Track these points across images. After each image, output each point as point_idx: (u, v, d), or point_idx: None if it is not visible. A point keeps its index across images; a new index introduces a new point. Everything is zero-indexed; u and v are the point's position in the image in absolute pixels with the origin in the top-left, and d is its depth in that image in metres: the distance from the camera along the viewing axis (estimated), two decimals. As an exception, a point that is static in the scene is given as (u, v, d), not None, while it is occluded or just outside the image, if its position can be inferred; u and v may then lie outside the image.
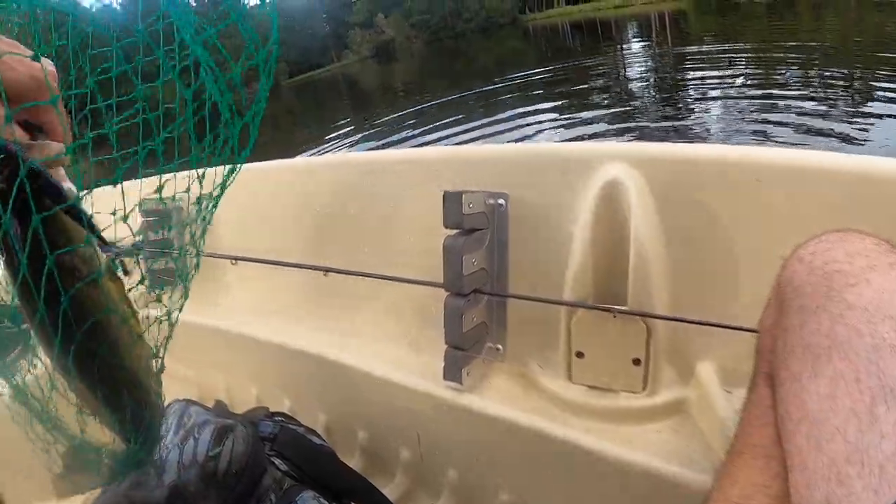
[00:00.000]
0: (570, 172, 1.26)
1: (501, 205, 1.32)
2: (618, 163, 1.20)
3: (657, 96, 11.97)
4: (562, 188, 1.28)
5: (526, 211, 1.32)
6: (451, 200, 1.23)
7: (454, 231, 1.26)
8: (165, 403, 0.86)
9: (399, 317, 1.62)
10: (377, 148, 11.69)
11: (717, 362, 1.16)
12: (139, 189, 0.78)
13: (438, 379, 1.34)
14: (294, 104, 40.62)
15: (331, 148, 13.09)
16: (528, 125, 10.81)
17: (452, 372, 1.32)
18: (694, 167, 1.15)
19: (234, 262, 1.87)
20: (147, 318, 0.79)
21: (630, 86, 13.97)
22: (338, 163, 1.86)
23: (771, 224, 1.09)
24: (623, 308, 1.15)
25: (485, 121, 11.90)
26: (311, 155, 10.66)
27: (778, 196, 1.08)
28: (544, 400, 1.29)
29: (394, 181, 1.61)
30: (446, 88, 20.13)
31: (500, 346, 1.40)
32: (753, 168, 1.10)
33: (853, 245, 0.64)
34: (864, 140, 6.35)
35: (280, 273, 1.79)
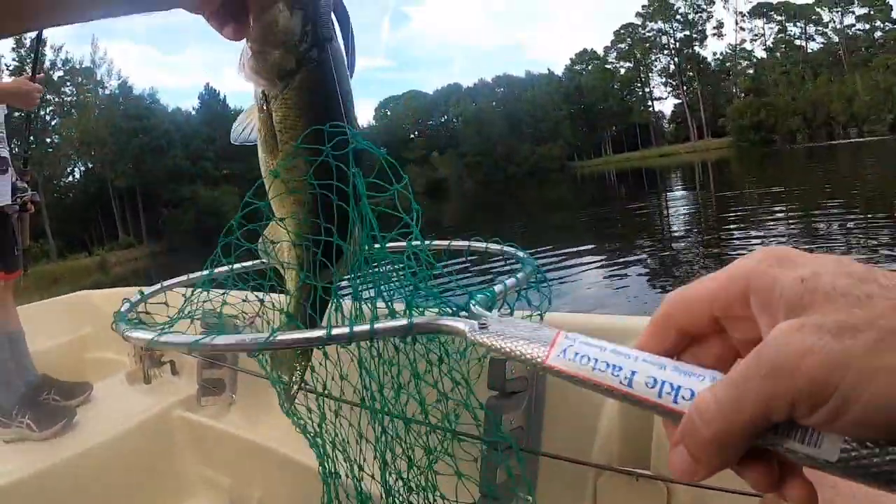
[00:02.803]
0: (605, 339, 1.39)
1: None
2: None
3: (700, 239, 12.22)
4: None
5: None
6: (496, 367, 1.33)
7: (495, 392, 1.36)
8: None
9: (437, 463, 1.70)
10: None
11: None
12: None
13: None
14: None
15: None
16: (572, 266, 11.06)
17: None
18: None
19: None
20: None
21: (672, 228, 14.22)
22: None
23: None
24: (645, 472, 1.23)
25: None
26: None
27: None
28: None
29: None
30: (498, 233, 20.68)
31: (529, 497, 1.46)
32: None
33: None
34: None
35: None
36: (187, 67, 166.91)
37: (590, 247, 12.96)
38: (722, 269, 0.40)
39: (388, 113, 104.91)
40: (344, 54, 0.86)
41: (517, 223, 23.55)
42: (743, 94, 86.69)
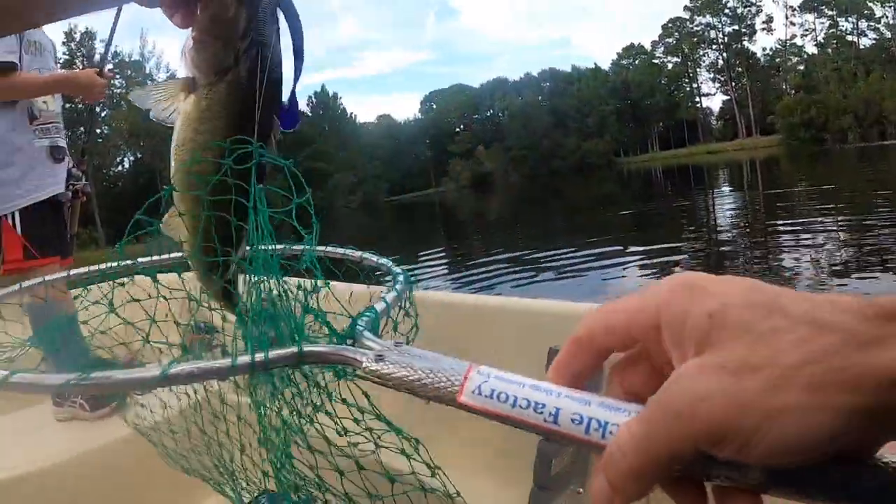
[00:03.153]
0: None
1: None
2: None
3: (746, 238, 12.19)
4: None
5: None
6: (552, 357, 1.54)
7: None
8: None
9: (489, 448, 1.70)
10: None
11: None
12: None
13: None
14: (390, 223, 42.27)
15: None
16: (615, 261, 11.18)
17: None
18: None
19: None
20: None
21: (718, 227, 14.27)
22: (442, 300, 1.97)
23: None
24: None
25: (575, 257, 12.28)
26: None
27: None
28: None
29: (500, 325, 1.73)
30: (542, 226, 20.47)
31: (580, 490, 1.47)
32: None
33: None
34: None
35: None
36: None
37: (634, 243, 12.99)
38: (638, 295, 0.41)
39: (434, 106, 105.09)
40: (282, 58, 0.84)
41: (562, 218, 23.84)
42: (793, 91, 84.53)
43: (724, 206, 19.49)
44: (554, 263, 12.24)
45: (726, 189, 26.07)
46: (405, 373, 0.50)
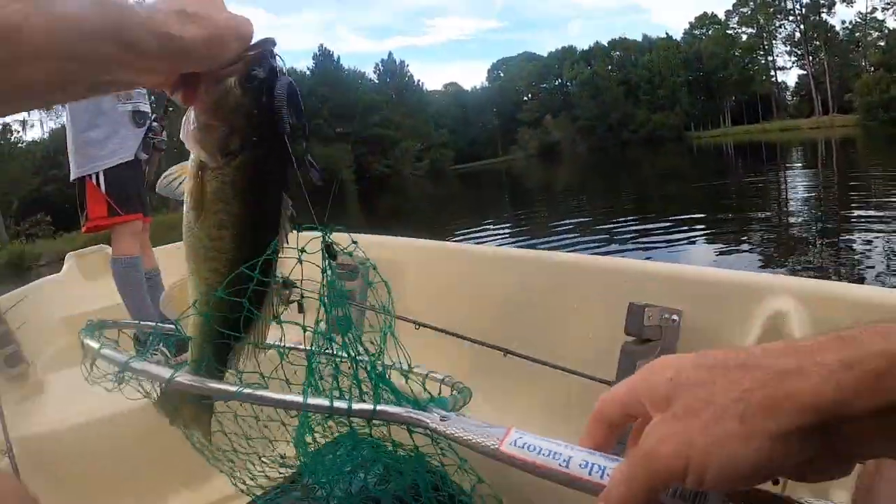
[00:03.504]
0: (740, 299, 1.38)
1: (675, 320, 1.44)
2: (786, 296, 1.29)
3: (818, 219, 11.97)
4: (730, 312, 1.38)
5: (694, 328, 1.43)
6: (635, 312, 1.39)
7: (632, 338, 1.41)
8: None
9: (559, 405, 1.72)
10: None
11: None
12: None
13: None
14: (456, 191, 42.17)
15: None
16: (685, 238, 11.02)
17: None
18: (866, 312, 1.20)
19: (417, 326, 1.97)
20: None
21: (790, 206, 14.03)
22: (527, 257, 2.04)
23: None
24: None
25: (642, 227, 12.24)
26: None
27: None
28: None
29: (578, 283, 1.76)
30: (610, 197, 20.23)
31: None
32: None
33: None
34: None
35: (455, 345, 1.92)
36: (300, 28, 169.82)
37: (702, 219, 12.82)
38: (628, 380, 0.50)
39: (502, 74, 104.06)
40: (288, 134, 0.82)
41: (631, 189, 23.33)
42: (872, 69, 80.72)
43: (797, 185, 19.00)
44: (621, 233, 12.26)
45: (799, 168, 25.16)
46: (463, 431, 0.70)
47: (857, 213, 11.99)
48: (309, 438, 1.17)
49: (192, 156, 0.83)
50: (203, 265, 0.88)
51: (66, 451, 1.98)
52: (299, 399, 0.88)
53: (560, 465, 0.54)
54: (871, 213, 11.55)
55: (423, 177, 75.17)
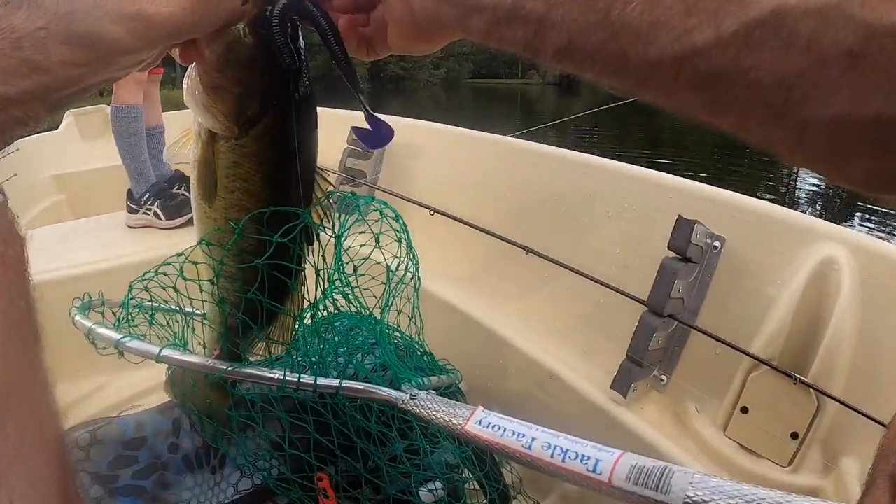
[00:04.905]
0: (790, 238, 1.29)
1: (717, 247, 1.35)
2: (838, 245, 1.23)
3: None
4: (777, 250, 1.30)
5: (736, 259, 1.35)
6: (683, 227, 1.28)
7: (673, 255, 1.31)
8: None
9: (580, 314, 1.64)
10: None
11: (864, 462, 1.12)
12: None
13: (602, 386, 1.38)
14: (468, 101, 41.86)
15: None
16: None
17: (622, 384, 1.34)
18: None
19: (432, 212, 1.91)
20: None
21: None
22: (559, 155, 1.85)
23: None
24: (806, 380, 1.16)
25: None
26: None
27: None
28: (696, 443, 1.30)
29: (613, 190, 1.64)
30: (619, 132, 19.87)
31: (664, 378, 1.41)
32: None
33: None
34: None
35: (471, 237, 1.83)
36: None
37: (737, 171, 12.16)
38: None
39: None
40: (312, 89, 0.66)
41: (645, 135, 23.15)
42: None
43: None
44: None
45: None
46: (427, 411, 0.71)
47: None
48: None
49: (194, 121, 0.69)
50: (219, 251, 0.76)
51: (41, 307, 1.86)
52: (272, 374, 0.85)
53: (523, 446, 0.56)
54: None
55: (437, 85, 74.65)
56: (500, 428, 0.60)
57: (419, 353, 1.21)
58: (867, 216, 8.68)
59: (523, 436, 0.57)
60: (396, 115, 2.39)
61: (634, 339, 1.32)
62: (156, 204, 2.47)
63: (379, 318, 1.05)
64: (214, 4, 0.55)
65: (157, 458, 1.03)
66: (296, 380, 0.83)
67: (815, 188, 10.54)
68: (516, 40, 0.45)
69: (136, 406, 1.61)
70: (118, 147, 2.59)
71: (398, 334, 1.19)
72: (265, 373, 0.85)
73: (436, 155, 2.26)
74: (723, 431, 1.27)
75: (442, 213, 1.87)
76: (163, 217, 2.45)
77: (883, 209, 8.42)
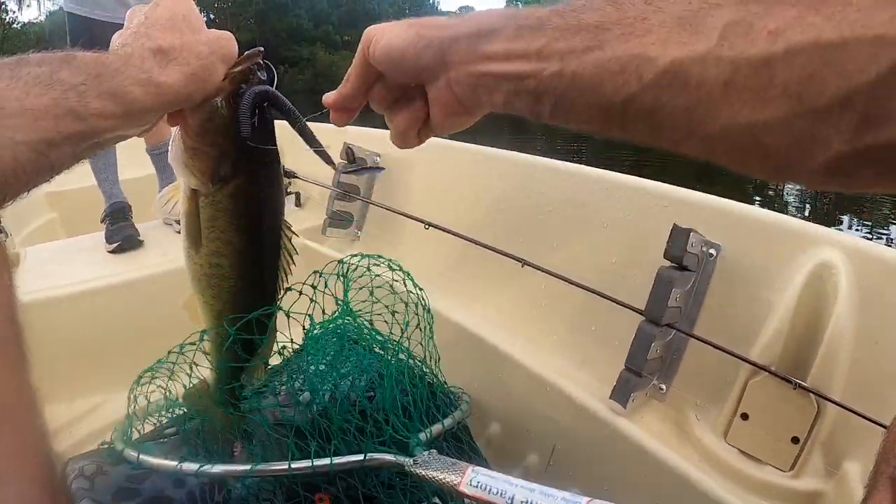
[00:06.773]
0: (786, 243, 1.31)
1: (713, 254, 1.36)
2: (833, 249, 1.24)
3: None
4: (773, 255, 1.31)
5: (732, 266, 1.35)
6: (679, 236, 1.28)
7: (669, 263, 1.31)
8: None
9: (578, 326, 1.64)
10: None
11: (866, 465, 1.12)
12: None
13: (601, 396, 1.38)
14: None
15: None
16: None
17: (621, 393, 1.34)
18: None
19: (426, 226, 1.90)
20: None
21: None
22: (553, 167, 1.87)
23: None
24: (806, 384, 1.17)
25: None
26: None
27: None
28: (697, 451, 1.31)
29: (608, 201, 1.65)
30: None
31: (663, 386, 1.42)
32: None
33: None
34: None
35: (467, 250, 1.84)
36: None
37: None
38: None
39: (520, 5, 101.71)
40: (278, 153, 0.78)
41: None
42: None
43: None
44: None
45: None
46: (430, 473, 0.81)
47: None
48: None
49: (181, 181, 0.79)
50: (206, 292, 0.86)
51: (36, 325, 1.80)
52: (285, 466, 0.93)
53: (507, 502, 0.68)
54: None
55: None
56: (486, 487, 0.71)
57: (430, 396, 1.21)
58: (855, 219, 8.82)
59: (504, 493, 0.69)
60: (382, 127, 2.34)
61: (633, 349, 1.33)
62: (105, 223, 2.37)
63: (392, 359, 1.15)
64: (204, 80, 0.69)
65: (160, 492, 1.03)
66: (309, 465, 0.91)
67: (804, 190, 10.48)
68: (525, 109, 0.57)
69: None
70: (94, 173, 2.54)
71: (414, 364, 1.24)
72: (276, 466, 0.94)
73: (429, 168, 2.26)
74: (724, 438, 1.27)
75: (437, 227, 1.86)
76: (105, 240, 2.30)
77: (871, 212, 8.40)
